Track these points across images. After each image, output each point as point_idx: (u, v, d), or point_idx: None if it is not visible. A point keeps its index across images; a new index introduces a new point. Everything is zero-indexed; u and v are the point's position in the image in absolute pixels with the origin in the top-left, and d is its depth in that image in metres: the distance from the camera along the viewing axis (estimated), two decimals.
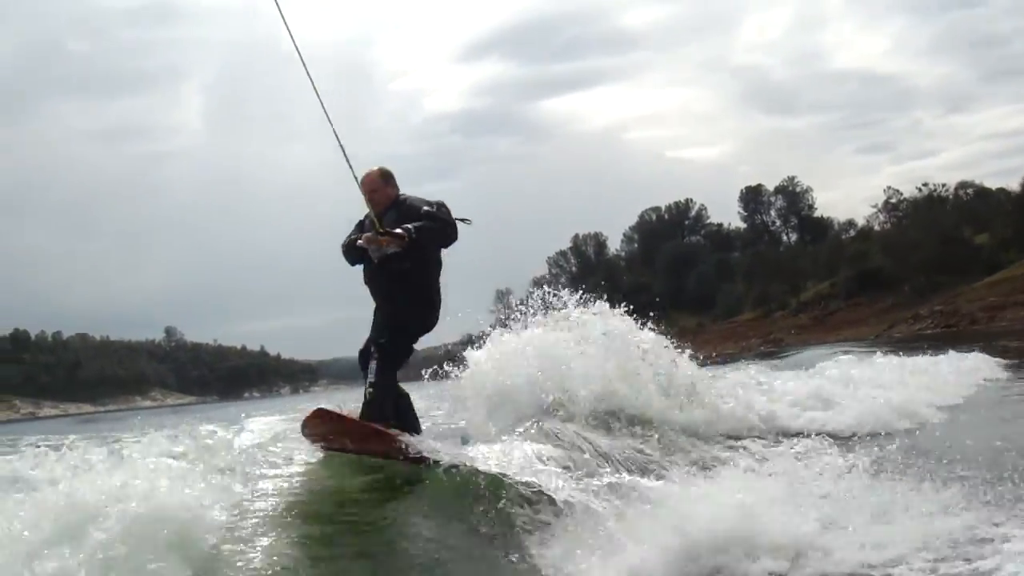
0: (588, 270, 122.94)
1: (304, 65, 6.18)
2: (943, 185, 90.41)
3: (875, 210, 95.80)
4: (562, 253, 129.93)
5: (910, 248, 76.19)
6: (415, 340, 6.70)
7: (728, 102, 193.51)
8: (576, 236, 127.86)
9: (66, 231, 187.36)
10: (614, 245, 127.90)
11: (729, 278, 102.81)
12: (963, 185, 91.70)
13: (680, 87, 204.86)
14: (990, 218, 78.13)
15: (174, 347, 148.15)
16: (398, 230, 6.15)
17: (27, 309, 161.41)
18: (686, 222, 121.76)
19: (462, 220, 6.59)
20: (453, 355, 9.31)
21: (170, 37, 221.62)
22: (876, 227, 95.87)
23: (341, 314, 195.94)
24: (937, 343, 25.83)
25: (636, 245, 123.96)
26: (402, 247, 6.17)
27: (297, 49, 6.20)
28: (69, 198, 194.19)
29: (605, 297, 10.13)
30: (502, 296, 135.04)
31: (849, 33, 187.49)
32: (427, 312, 6.68)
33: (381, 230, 6.19)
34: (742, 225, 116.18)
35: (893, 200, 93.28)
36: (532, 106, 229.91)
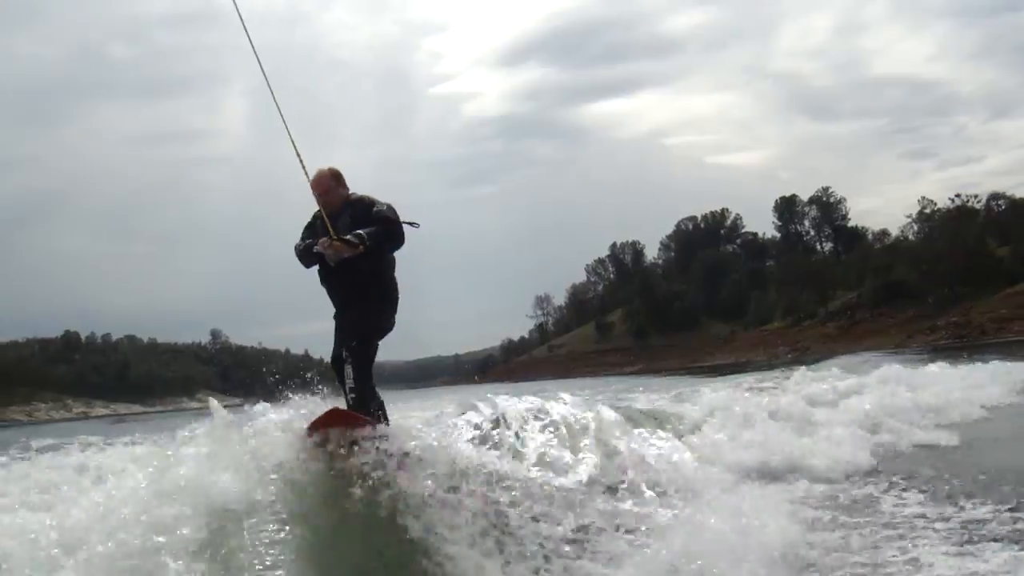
0: (625, 278, 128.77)
1: (260, 64, 6.62)
2: (975, 196, 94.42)
3: (909, 220, 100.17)
4: (600, 261, 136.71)
5: (934, 260, 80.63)
6: (381, 339, 6.90)
7: (769, 108, 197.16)
8: (614, 244, 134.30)
9: (112, 234, 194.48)
10: (651, 253, 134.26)
11: (762, 287, 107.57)
12: (994, 196, 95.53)
13: (721, 92, 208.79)
14: (1016, 230, 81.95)
15: (219, 350, 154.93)
16: (350, 237, 6.29)
17: (76, 311, 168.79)
18: (721, 231, 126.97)
19: (410, 223, 6.71)
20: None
21: (210, 42, 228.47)
22: (911, 236, 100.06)
23: None
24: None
25: (673, 253, 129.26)
26: (356, 253, 6.31)
27: (254, 49, 6.61)
28: (113, 202, 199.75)
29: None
30: (541, 302, 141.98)
31: (891, 39, 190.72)
32: (392, 311, 6.88)
33: (335, 236, 6.31)
34: (777, 234, 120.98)
35: (927, 210, 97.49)
36: (572, 111, 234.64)
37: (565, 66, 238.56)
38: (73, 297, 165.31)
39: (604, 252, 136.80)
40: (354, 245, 6.27)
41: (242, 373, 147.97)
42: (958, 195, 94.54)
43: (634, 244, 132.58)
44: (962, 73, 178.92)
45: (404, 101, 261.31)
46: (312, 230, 6.83)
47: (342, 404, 6.50)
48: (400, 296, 6.93)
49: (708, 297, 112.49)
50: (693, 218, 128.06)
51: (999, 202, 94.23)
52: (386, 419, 6.75)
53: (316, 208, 6.77)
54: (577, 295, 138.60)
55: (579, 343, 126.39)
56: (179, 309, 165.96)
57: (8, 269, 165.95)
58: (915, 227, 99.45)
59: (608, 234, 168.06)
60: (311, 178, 6.68)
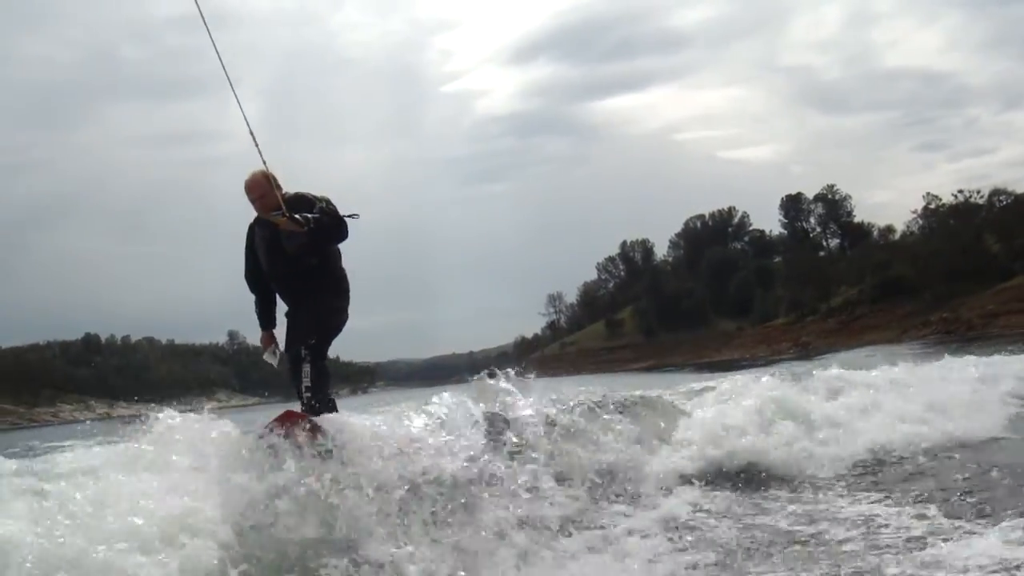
0: (635, 276, 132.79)
1: (219, 55, 6.67)
2: (977, 192, 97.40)
3: (915, 215, 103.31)
4: (611, 259, 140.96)
5: (931, 256, 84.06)
6: (337, 334, 6.99)
7: (780, 101, 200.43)
8: (624, 243, 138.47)
9: (127, 236, 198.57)
10: (661, 251, 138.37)
11: (768, 284, 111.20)
12: (996, 192, 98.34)
13: (731, 87, 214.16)
14: (1012, 226, 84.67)
15: (236, 350, 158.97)
16: (297, 216, 6.35)
17: (95, 313, 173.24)
18: (729, 229, 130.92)
19: (350, 216, 6.76)
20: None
21: (222, 42, 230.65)
22: (915, 231, 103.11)
23: (398, 316, 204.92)
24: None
25: (682, 251, 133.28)
26: (299, 233, 6.37)
27: (217, 53, 6.69)
28: (128, 203, 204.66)
29: None
30: (553, 300, 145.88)
31: (902, 31, 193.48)
32: (346, 304, 6.99)
33: (286, 212, 6.34)
34: (784, 232, 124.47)
35: (932, 205, 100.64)
36: (584, 107, 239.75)
37: (576, 62, 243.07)
38: (91, 299, 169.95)
39: (615, 250, 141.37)
40: (299, 223, 6.37)
41: (260, 373, 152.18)
42: (961, 191, 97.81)
43: (644, 242, 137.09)
44: (974, 64, 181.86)
45: (415, 99, 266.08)
46: (252, 247, 7.14)
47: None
48: (351, 288, 7.12)
49: (716, 294, 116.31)
50: (701, 216, 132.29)
51: (1001, 197, 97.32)
52: None
53: (251, 220, 7.11)
54: (588, 293, 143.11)
55: (590, 340, 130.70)
56: (196, 310, 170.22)
57: (26, 272, 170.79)
58: (920, 222, 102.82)
59: (619, 231, 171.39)
60: (245, 181, 6.86)
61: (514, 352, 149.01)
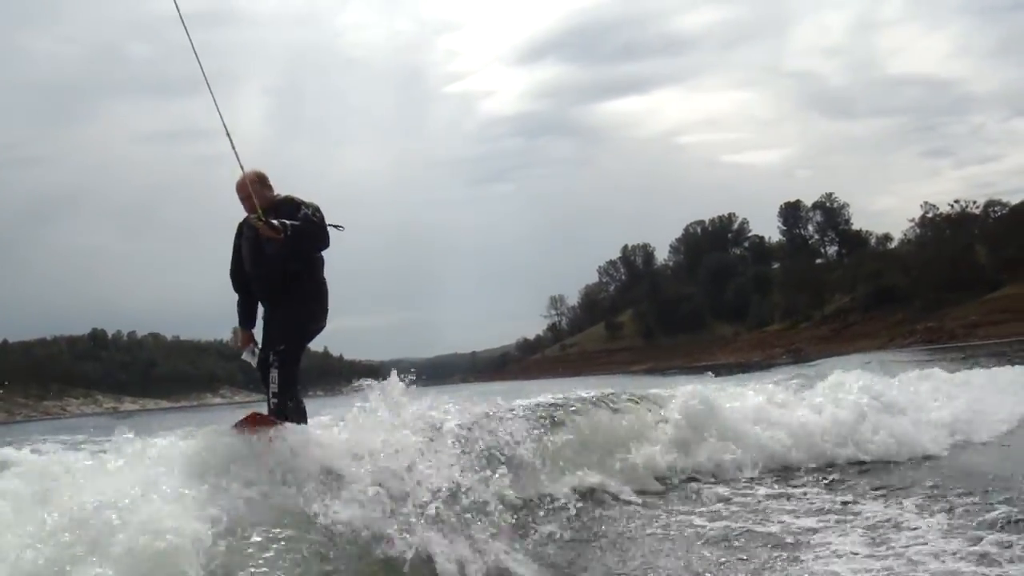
0: (636, 279, 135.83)
1: (196, 55, 6.94)
2: (973, 202, 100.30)
3: (912, 224, 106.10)
4: (612, 263, 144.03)
5: (923, 266, 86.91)
6: (311, 341, 7.15)
7: (786, 106, 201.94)
8: (625, 247, 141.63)
9: (133, 232, 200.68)
10: (662, 255, 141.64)
11: (765, 290, 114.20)
12: (991, 204, 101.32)
13: (737, 90, 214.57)
14: (1004, 238, 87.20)
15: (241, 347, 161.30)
16: (275, 222, 6.38)
17: (102, 309, 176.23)
18: (729, 235, 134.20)
19: (335, 226, 6.84)
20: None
21: (227, 41, 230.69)
22: (912, 240, 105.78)
23: (402, 316, 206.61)
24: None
25: (682, 256, 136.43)
26: (277, 240, 6.42)
27: (190, 40, 6.98)
28: (133, 199, 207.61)
29: None
30: (555, 302, 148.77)
31: (908, 37, 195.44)
32: (322, 312, 7.03)
33: (262, 218, 6.39)
34: (783, 239, 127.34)
35: (930, 215, 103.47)
36: (590, 109, 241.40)
37: (582, 64, 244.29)
38: (98, 295, 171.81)
39: (616, 253, 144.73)
40: (276, 230, 6.38)
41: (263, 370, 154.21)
42: (957, 201, 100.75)
43: (645, 247, 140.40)
44: (981, 71, 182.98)
45: (421, 99, 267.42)
46: (239, 245, 7.12)
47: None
48: (331, 297, 7.07)
49: (714, 299, 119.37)
50: (701, 222, 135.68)
51: (996, 208, 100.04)
52: (305, 423, 6.87)
53: (240, 219, 7.01)
54: (589, 295, 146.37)
55: (590, 342, 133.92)
56: (201, 306, 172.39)
57: (33, 267, 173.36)
58: (917, 231, 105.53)
59: (621, 234, 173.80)
60: (237, 182, 6.83)
61: (516, 353, 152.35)
